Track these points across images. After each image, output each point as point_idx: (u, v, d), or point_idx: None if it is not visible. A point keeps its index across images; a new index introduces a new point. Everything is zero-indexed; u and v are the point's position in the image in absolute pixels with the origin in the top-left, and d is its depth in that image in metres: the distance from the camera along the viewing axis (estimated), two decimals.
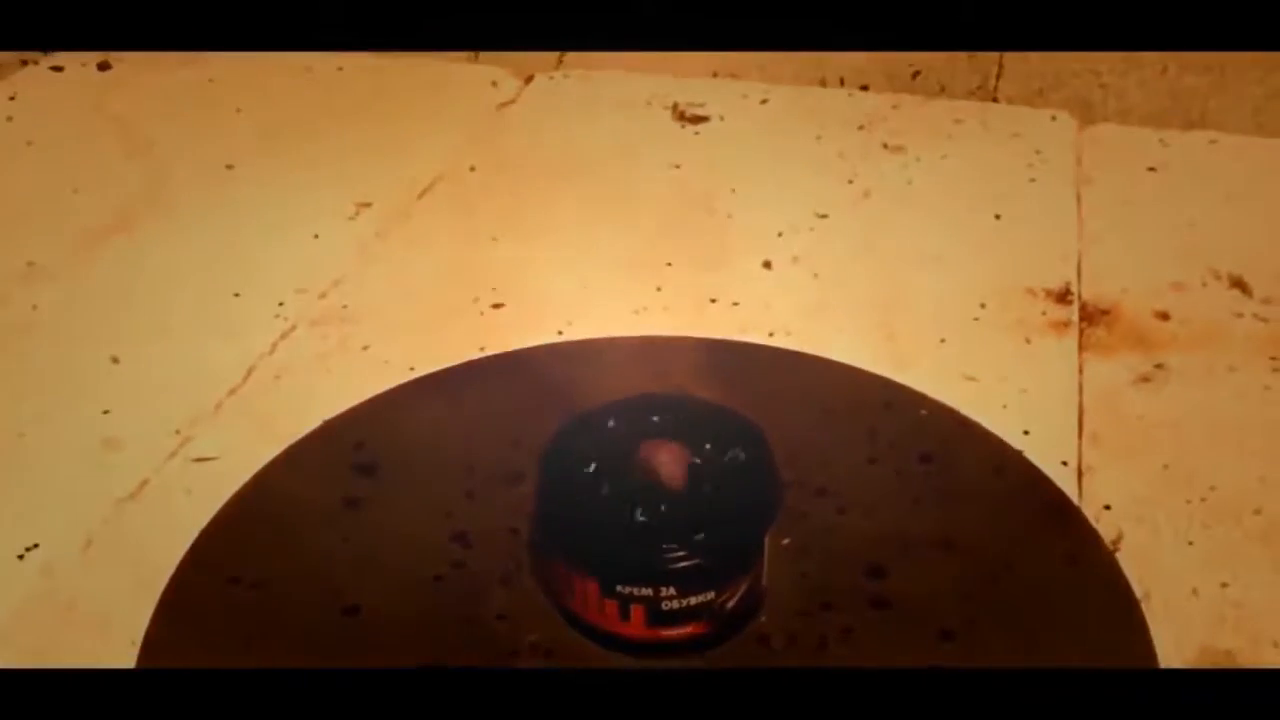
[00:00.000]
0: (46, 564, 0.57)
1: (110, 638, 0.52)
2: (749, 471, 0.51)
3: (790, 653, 0.51)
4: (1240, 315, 0.72)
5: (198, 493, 0.60)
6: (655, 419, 0.53)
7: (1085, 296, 0.74)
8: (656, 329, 0.71)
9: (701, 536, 0.49)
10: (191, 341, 0.71)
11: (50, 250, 0.79)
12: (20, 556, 0.57)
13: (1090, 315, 0.72)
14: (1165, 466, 0.61)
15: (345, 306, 0.74)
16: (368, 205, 0.85)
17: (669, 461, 0.51)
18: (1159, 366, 0.68)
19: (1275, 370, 0.68)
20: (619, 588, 0.49)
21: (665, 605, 0.49)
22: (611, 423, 0.53)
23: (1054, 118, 0.93)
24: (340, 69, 1.02)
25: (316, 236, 0.81)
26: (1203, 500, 0.59)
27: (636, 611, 0.49)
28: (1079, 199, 0.83)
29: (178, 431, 0.65)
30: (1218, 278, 0.75)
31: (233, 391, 0.68)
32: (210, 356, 0.70)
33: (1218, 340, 0.70)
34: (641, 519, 0.49)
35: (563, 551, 0.50)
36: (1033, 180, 0.86)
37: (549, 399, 0.60)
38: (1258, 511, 0.58)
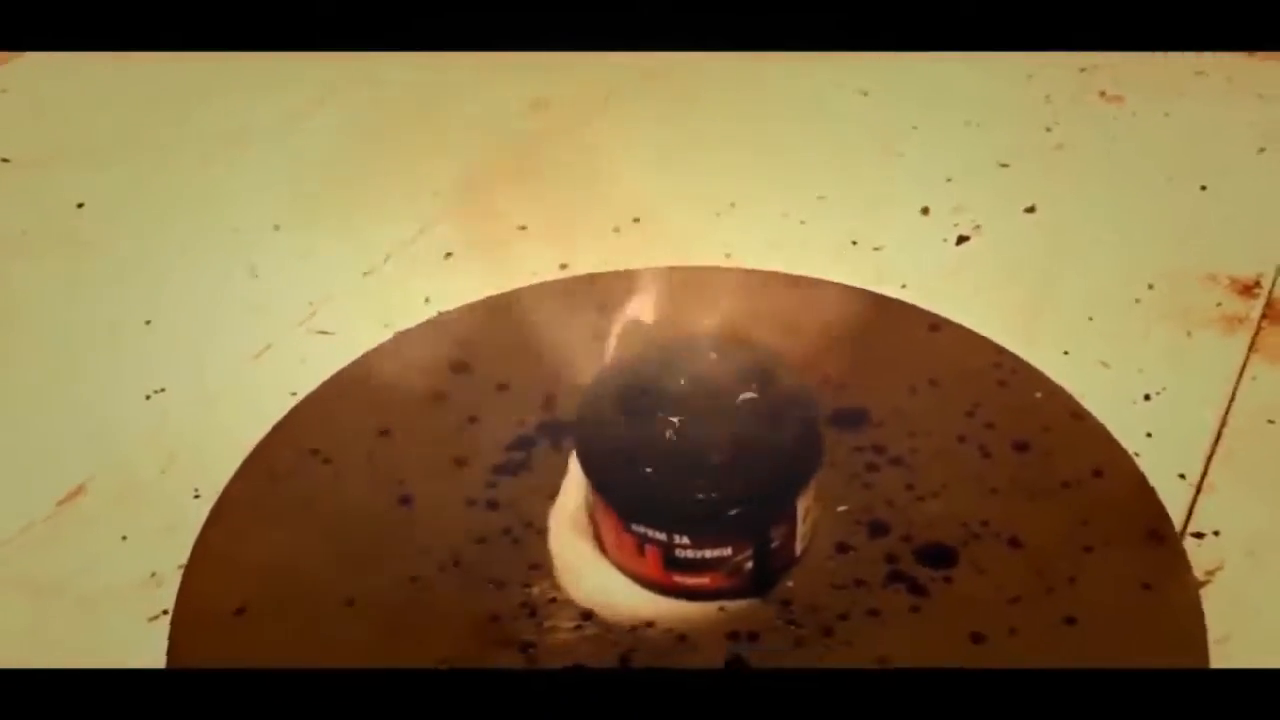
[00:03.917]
0: (168, 407, 0.63)
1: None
2: (792, 433, 0.49)
3: (808, 621, 0.49)
4: None
5: (312, 361, 0.64)
6: (719, 358, 0.52)
7: (1278, 293, 0.65)
8: (788, 266, 0.68)
9: (724, 493, 0.47)
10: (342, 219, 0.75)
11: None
12: (148, 397, 0.63)
13: (1275, 314, 0.63)
14: None
15: (491, 204, 0.76)
16: (546, 101, 0.85)
17: (715, 408, 0.50)
18: None
19: None
20: (634, 526, 0.49)
21: (679, 553, 0.48)
22: (673, 356, 0.52)
23: None
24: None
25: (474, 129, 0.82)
26: None
27: (652, 552, 0.49)
28: None
29: (310, 303, 0.69)
30: None
31: (368, 273, 0.71)
32: (358, 236, 0.74)
33: None
34: (667, 461, 0.48)
35: (589, 478, 0.50)
36: (1262, 150, 0.76)
37: (640, 324, 0.60)
38: None
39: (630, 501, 0.49)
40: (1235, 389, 0.59)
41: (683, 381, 0.51)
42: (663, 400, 0.50)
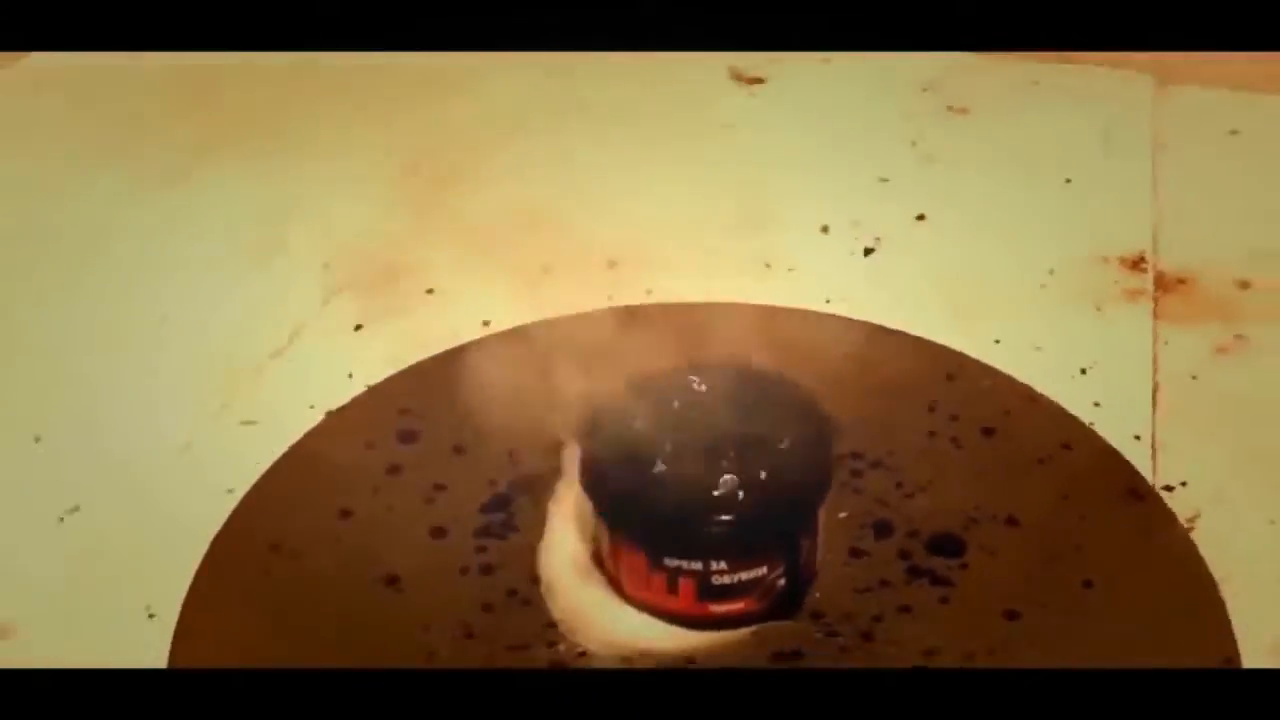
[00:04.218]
0: (89, 525, 0.57)
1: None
2: (803, 441, 0.49)
3: (845, 629, 0.49)
4: None
5: (240, 454, 0.60)
6: (706, 387, 0.51)
7: (1161, 265, 0.70)
8: (708, 295, 0.69)
9: (753, 509, 0.47)
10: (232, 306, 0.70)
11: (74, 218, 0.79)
12: (61, 519, 0.57)
13: (1166, 284, 0.68)
14: (1245, 443, 0.58)
15: (390, 269, 0.73)
16: (415, 167, 0.83)
17: (720, 431, 0.49)
18: (1239, 337, 0.64)
19: None
20: (667, 560, 0.47)
21: (715, 580, 0.47)
22: (661, 389, 0.51)
23: (1130, 79, 0.89)
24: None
25: (359, 197, 0.79)
26: None
27: (685, 585, 0.47)
28: (1155, 164, 0.79)
29: (220, 396, 0.64)
30: None
31: (276, 354, 0.67)
32: (252, 320, 0.69)
33: None
34: (692, 490, 0.47)
35: (609, 522, 0.48)
36: (1107, 142, 0.82)
37: (597, 366, 0.58)
38: None
39: (660, 537, 0.47)
40: (1155, 352, 0.64)
41: (676, 409, 0.50)
42: (662, 432, 0.49)
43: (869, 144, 0.82)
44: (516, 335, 0.65)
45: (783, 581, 0.48)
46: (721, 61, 0.93)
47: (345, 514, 0.55)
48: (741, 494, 0.47)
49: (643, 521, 0.47)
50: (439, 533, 0.54)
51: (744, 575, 0.47)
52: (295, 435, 0.60)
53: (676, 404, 0.50)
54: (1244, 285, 0.68)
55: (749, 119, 0.87)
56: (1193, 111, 0.85)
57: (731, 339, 0.60)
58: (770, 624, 0.49)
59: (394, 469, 0.58)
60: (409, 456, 0.58)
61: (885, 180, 0.79)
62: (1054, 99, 0.87)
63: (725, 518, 0.46)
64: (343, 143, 0.85)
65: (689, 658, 0.48)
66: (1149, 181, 0.78)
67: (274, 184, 0.81)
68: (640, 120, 0.87)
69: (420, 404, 0.61)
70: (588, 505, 0.51)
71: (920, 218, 0.75)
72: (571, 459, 0.53)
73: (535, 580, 0.51)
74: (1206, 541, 0.52)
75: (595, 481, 0.49)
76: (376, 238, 0.76)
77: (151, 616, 0.51)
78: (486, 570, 0.52)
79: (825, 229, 0.75)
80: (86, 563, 0.55)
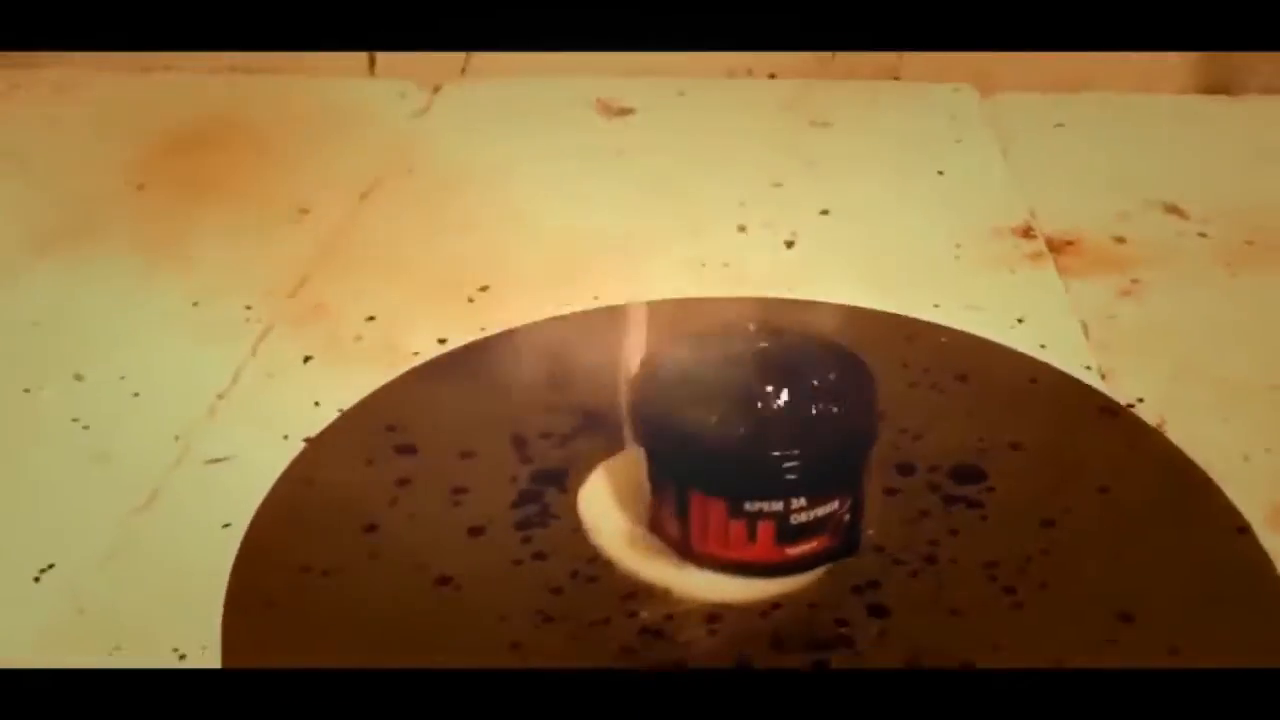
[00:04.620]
0: (67, 583, 0.51)
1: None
2: (850, 381, 0.51)
3: (909, 556, 0.50)
4: (1185, 235, 0.77)
5: (224, 492, 0.55)
6: (745, 345, 0.52)
7: (1046, 231, 0.77)
8: (659, 294, 0.70)
9: (825, 445, 0.48)
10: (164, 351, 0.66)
11: None
12: (37, 579, 0.51)
13: (1057, 246, 0.76)
14: (1176, 362, 0.64)
15: (319, 304, 0.70)
16: (306, 212, 0.80)
17: (773, 377, 0.50)
18: (1135, 281, 0.72)
19: (1234, 276, 0.73)
20: (748, 505, 0.47)
21: (794, 519, 0.48)
22: (707, 349, 0.51)
23: (957, 90, 0.98)
24: (232, 89, 0.98)
25: (264, 241, 0.76)
26: (1221, 384, 0.62)
27: (765, 529, 0.48)
28: (1005, 153, 0.88)
29: (177, 438, 0.59)
30: (1153, 207, 0.80)
31: (223, 395, 0.63)
32: (188, 364, 0.65)
33: (1178, 256, 0.75)
34: (766, 433, 0.48)
35: (685, 478, 0.48)
36: (959, 141, 0.90)
37: (598, 359, 0.59)
38: (1274, 387, 0.62)
39: (741, 483, 0.47)
40: (1071, 300, 0.70)
41: (725, 365, 0.51)
42: (715, 386, 0.50)
43: (756, 155, 0.87)
44: (501, 341, 0.64)
45: (848, 516, 0.49)
46: (589, 94, 0.96)
47: (370, 528, 0.52)
48: (807, 432, 0.48)
49: (723, 470, 0.47)
50: (477, 531, 0.52)
51: (820, 511, 0.48)
52: (279, 465, 0.56)
53: (712, 361, 0.51)
54: (1120, 240, 0.76)
55: (634, 144, 0.90)
56: (1018, 112, 0.94)
57: (712, 326, 0.61)
58: (839, 562, 0.50)
59: (404, 481, 0.55)
60: (415, 468, 0.56)
61: (779, 185, 0.83)
62: (898, 110, 0.95)
63: (802, 454, 0.47)
64: (241, 188, 0.82)
65: (774, 603, 0.48)
66: (1004, 169, 0.86)
67: (178, 232, 0.76)
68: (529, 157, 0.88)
69: (407, 419, 0.59)
70: (639, 473, 0.51)
71: (824, 213, 0.80)
72: (615, 432, 0.53)
73: (595, 559, 0.50)
74: (1179, 442, 0.58)
75: (664, 440, 0.49)
76: (292, 276, 0.73)
77: (183, 659, 0.47)
78: (540, 557, 0.51)
79: (742, 228, 0.78)
80: (82, 628, 0.49)
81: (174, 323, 0.68)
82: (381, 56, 1.01)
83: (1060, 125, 0.93)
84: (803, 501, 0.48)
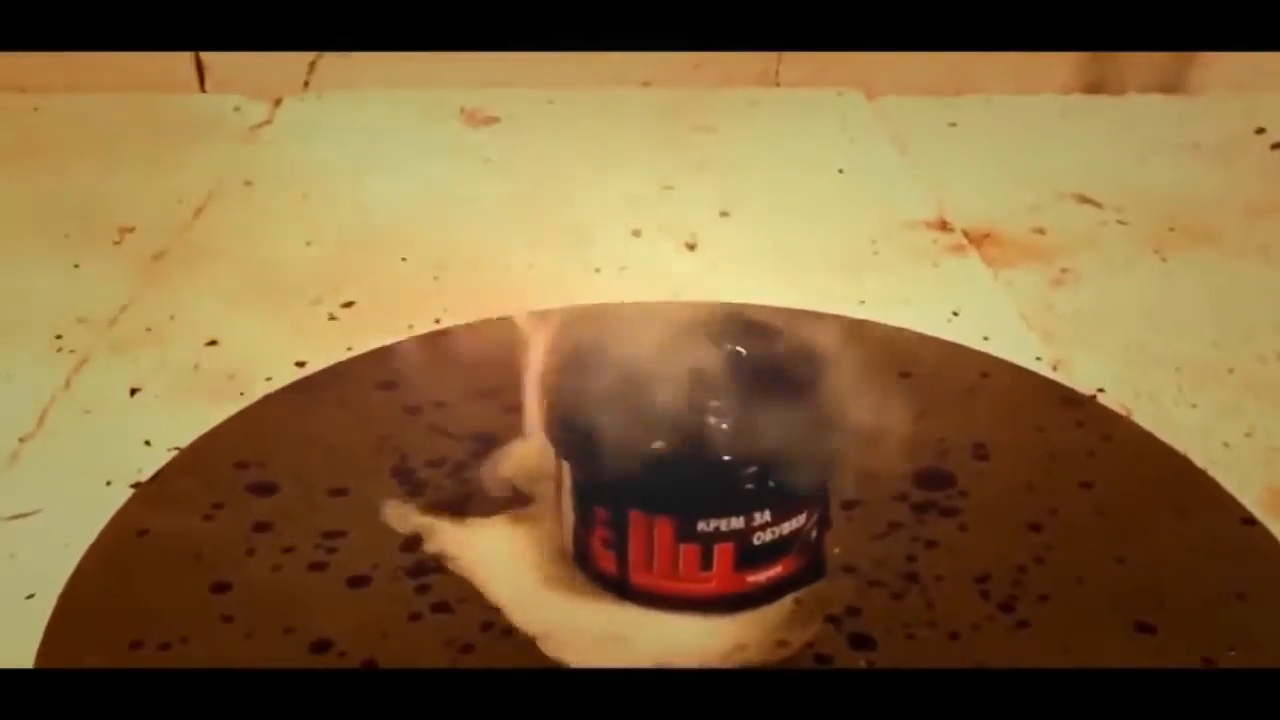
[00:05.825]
0: None
1: None
2: (810, 382, 0.43)
3: (886, 575, 0.42)
4: (1106, 224, 0.73)
5: (31, 557, 0.43)
6: (666, 348, 0.44)
7: (961, 225, 0.72)
8: (582, 299, 0.60)
9: (788, 452, 0.40)
10: None
11: None
12: None
13: (975, 239, 0.70)
14: (1127, 349, 0.59)
15: (149, 329, 0.59)
16: (131, 230, 0.69)
17: (711, 379, 0.41)
18: (1065, 270, 0.66)
19: (1164, 259, 0.68)
20: (701, 524, 0.39)
21: (757, 539, 0.39)
22: (623, 356, 0.43)
23: (841, 94, 0.93)
24: (36, 109, 0.85)
25: (77, 266, 0.64)
26: (1178, 370, 0.57)
27: (722, 553, 0.39)
28: (903, 152, 0.83)
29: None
30: (1065, 199, 0.76)
31: (24, 439, 0.51)
32: None
33: (1102, 244, 0.70)
34: (720, 442, 0.39)
35: (625, 498, 0.39)
36: (853, 141, 0.84)
37: (469, 380, 0.50)
38: (1231, 370, 0.57)
39: (694, 498, 0.38)
40: (999, 290, 0.64)
41: (649, 371, 0.42)
42: (649, 391, 0.41)
43: (640, 159, 0.79)
44: (374, 359, 0.54)
45: (814, 533, 0.41)
46: (450, 105, 0.87)
47: (221, 587, 0.41)
48: (775, 432, 0.40)
49: (673, 485, 0.38)
50: (359, 582, 0.42)
51: (786, 527, 0.40)
52: (100, 517, 0.45)
53: (654, 363, 0.42)
54: (1040, 231, 0.71)
55: (503, 152, 0.81)
56: (909, 114, 0.90)
57: (612, 339, 0.53)
58: (807, 589, 0.41)
59: (262, 526, 0.44)
60: (275, 510, 0.45)
61: (670, 188, 0.76)
62: (784, 114, 0.89)
63: (768, 459, 0.39)
64: (43, 211, 0.70)
65: (741, 646, 0.39)
66: (905, 166, 0.81)
67: None
68: (401, 152, 0.79)
69: (262, 454, 0.48)
70: (559, 495, 0.42)
71: (725, 214, 0.72)
72: (520, 452, 0.44)
73: (509, 605, 0.41)
74: (1152, 430, 0.52)
75: (594, 453, 0.39)
76: (111, 301, 0.61)
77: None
78: (443, 609, 0.41)
79: (637, 233, 0.70)
80: None
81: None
82: (212, 72, 0.90)
83: (954, 124, 0.88)
84: (767, 515, 0.39)
